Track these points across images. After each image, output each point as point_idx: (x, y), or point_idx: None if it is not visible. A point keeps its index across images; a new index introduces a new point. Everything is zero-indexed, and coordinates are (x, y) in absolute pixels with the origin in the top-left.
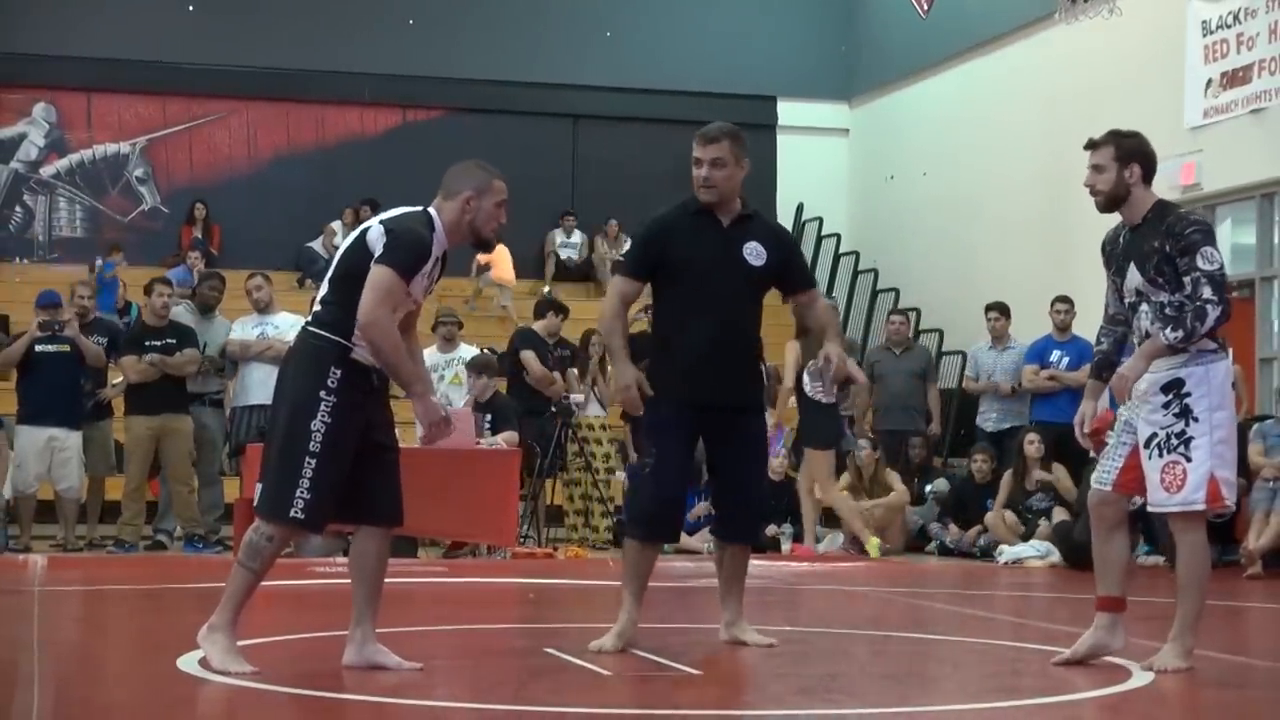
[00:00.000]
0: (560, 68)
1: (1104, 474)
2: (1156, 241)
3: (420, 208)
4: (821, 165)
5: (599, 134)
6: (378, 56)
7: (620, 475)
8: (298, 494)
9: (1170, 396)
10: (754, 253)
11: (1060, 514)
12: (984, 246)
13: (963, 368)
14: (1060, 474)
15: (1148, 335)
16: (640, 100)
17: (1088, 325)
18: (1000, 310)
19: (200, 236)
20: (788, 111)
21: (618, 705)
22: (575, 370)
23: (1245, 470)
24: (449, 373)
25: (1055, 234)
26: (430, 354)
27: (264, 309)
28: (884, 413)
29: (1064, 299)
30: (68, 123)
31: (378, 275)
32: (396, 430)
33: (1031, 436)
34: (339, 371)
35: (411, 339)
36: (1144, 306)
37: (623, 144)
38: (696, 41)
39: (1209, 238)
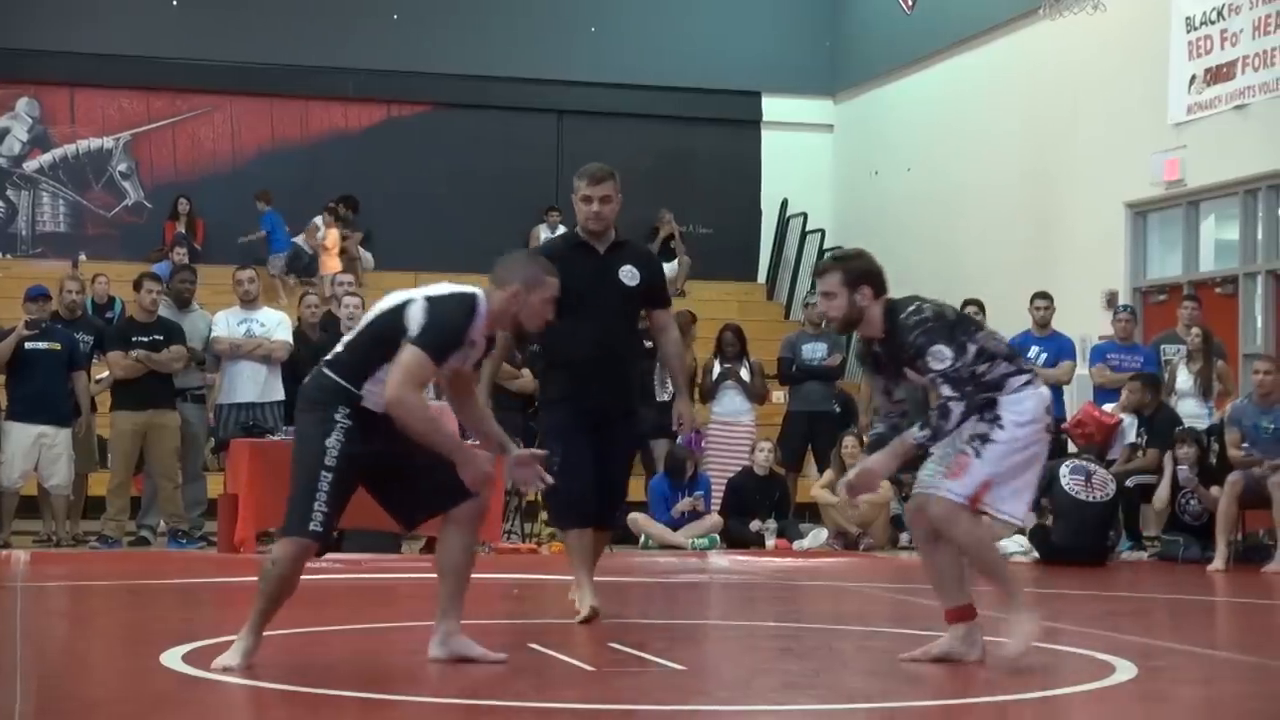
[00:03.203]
0: (545, 63)
1: (928, 476)
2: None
3: (471, 289)
4: (806, 161)
5: (583, 129)
6: (362, 52)
7: None
8: (315, 508)
9: (983, 411)
10: (629, 274)
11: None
12: (967, 242)
13: None
14: None
15: None
16: (625, 96)
17: (1067, 322)
18: (978, 306)
19: (184, 232)
20: (772, 107)
21: (602, 701)
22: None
23: (1224, 465)
24: None
25: (1037, 230)
26: None
27: (250, 302)
28: None
29: (1044, 295)
30: (51, 117)
31: (406, 356)
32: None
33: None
34: (347, 410)
35: (472, 404)
36: (937, 379)
37: (607, 139)
38: (681, 37)
39: (931, 335)
